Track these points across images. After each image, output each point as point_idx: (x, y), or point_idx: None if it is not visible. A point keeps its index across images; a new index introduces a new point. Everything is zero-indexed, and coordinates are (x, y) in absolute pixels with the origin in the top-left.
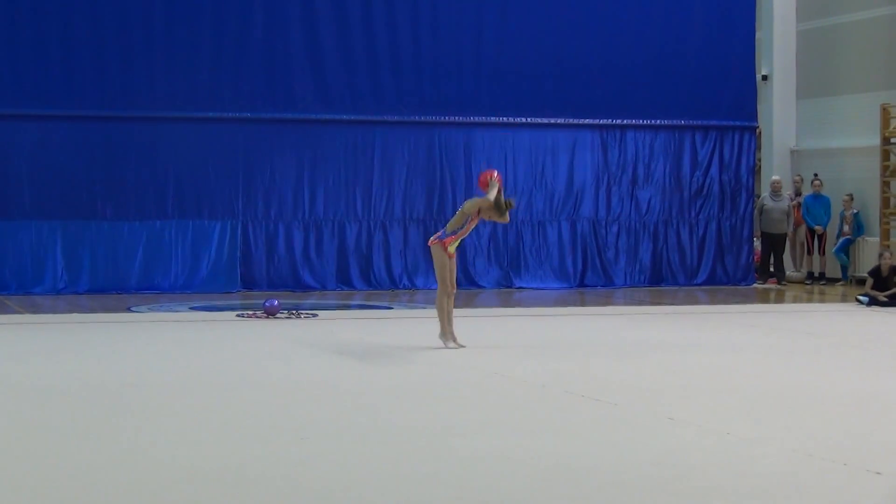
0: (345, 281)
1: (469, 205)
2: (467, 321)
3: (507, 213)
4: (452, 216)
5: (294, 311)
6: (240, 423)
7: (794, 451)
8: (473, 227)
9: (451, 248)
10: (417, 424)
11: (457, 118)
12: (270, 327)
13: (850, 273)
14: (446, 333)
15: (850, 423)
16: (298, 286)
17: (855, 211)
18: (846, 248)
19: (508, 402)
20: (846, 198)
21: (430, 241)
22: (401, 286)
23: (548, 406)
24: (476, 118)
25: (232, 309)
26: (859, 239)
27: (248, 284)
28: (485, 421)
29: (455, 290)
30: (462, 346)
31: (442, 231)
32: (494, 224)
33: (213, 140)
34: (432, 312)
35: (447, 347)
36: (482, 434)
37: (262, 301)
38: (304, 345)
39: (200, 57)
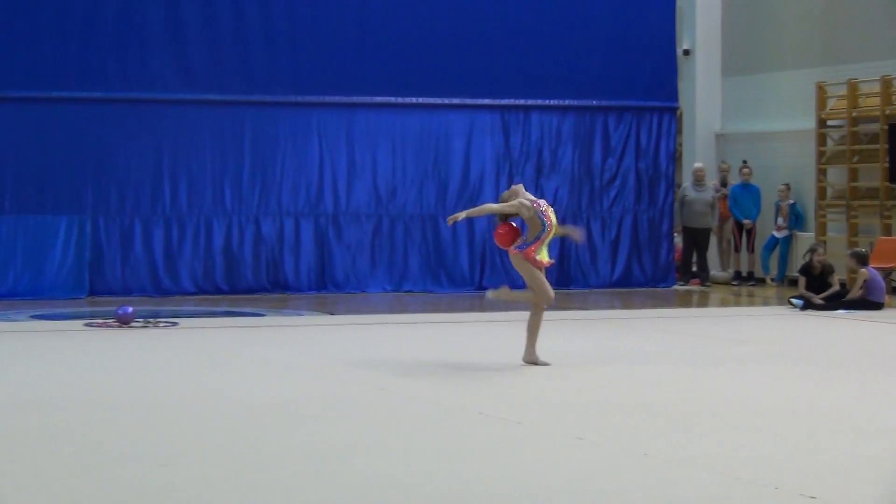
0: (210, 284)
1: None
2: (349, 329)
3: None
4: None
5: (151, 320)
6: (87, 447)
7: (720, 474)
8: (552, 218)
9: (541, 258)
10: (294, 446)
11: (337, 98)
12: (124, 338)
13: (784, 272)
14: (533, 352)
15: (783, 441)
16: (157, 291)
17: (791, 202)
18: (774, 247)
19: (399, 420)
20: (782, 187)
21: (510, 252)
22: (274, 290)
23: (443, 425)
24: (359, 98)
25: (80, 317)
26: (793, 234)
27: (99, 289)
28: (373, 442)
29: (545, 305)
30: (548, 364)
31: (522, 239)
32: (379, 219)
33: (58, 123)
34: (308, 319)
35: (538, 364)
36: (369, 457)
37: (115, 308)
38: (162, 357)
39: (42, 28)
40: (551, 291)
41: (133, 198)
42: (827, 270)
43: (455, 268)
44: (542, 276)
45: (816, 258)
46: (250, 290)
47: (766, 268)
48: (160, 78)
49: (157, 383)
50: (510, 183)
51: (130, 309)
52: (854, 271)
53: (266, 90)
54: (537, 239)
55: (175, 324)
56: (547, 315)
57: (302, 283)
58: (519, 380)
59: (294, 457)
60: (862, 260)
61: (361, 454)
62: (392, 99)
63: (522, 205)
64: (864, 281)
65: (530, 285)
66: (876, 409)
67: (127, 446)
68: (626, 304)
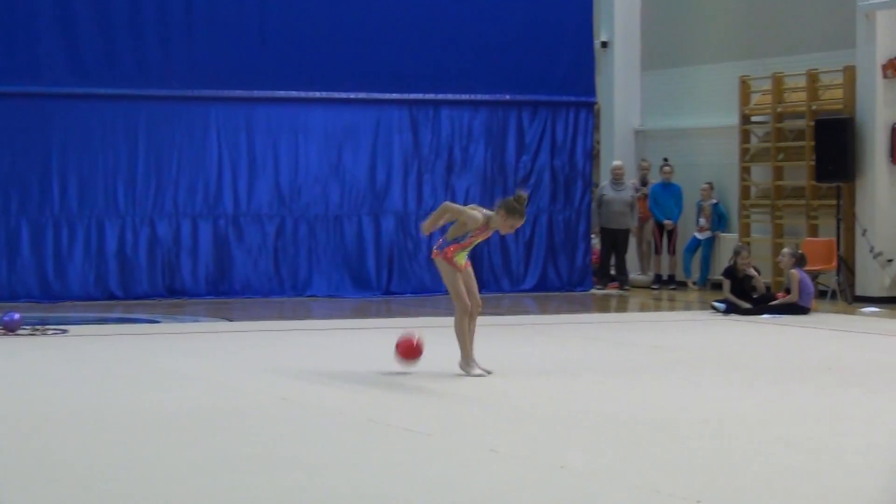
0: (103, 289)
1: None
2: (249, 336)
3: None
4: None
5: (39, 327)
6: None
7: (637, 487)
8: (477, 240)
9: (459, 259)
10: (190, 461)
11: (236, 93)
12: (10, 346)
13: (706, 276)
14: (468, 359)
15: (704, 452)
16: (46, 296)
17: (714, 202)
18: (697, 249)
19: (302, 433)
20: (705, 186)
21: (433, 254)
22: (171, 295)
23: (349, 437)
24: (259, 93)
25: None
26: (717, 234)
27: None
28: (274, 456)
29: (479, 308)
30: (488, 373)
31: (442, 239)
32: (282, 220)
33: None
34: (206, 326)
35: (470, 375)
36: (269, 472)
37: (1, 314)
38: (50, 367)
39: None
40: (467, 299)
41: (19, 197)
42: (752, 273)
43: (361, 271)
44: (460, 282)
45: (741, 260)
46: (145, 296)
47: (687, 271)
48: (48, 70)
49: (45, 395)
50: (419, 182)
51: (17, 315)
52: (781, 273)
53: (161, 84)
54: (456, 241)
55: (65, 331)
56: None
57: (200, 288)
58: (428, 389)
59: (191, 472)
60: (800, 262)
61: (261, 469)
62: (294, 93)
63: (484, 216)
64: (798, 281)
65: (450, 291)
66: (799, 420)
67: (10, 462)
68: (542, 310)
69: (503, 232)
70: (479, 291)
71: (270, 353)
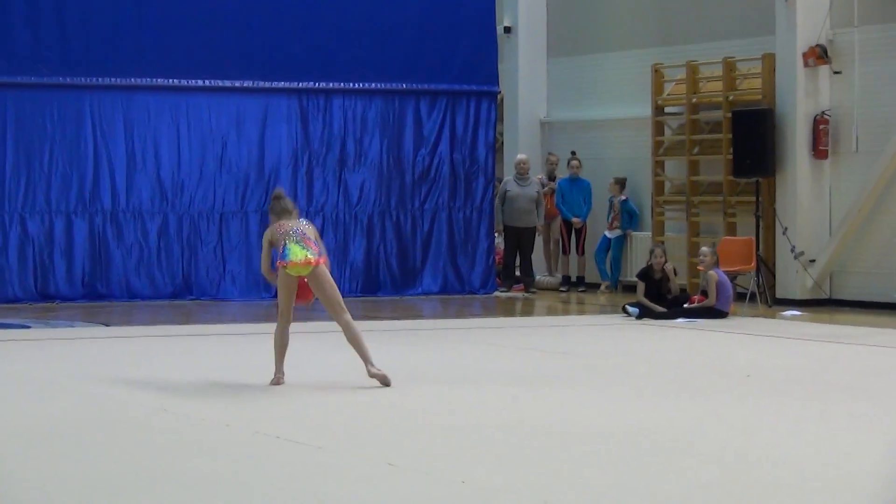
0: None
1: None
2: (126, 343)
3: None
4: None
5: None
6: None
7: (541, 502)
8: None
9: (290, 269)
10: (61, 478)
11: (113, 80)
12: None
13: (617, 277)
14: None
15: (614, 467)
16: None
17: (623, 198)
18: (608, 249)
19: (184, 446)
20: (613, 182)
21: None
22: (43, 299)
23: (235, 451)
24: (138, 80)
25: None
26: (628, 233)
27: None
28: (155, 472)
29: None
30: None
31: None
32: (165, 217)
33: None
34: (80, 331)
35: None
36: (150, 490)
37: None
38: None
39: None
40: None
41: None
42: (666, 275)
43: (249, 271)
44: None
45: (656, 261)
46: (15, 299)
47: (603, 272)
48: None
49: None
50: (309, 176)
51: None
52: (697, 274)
53: (30, 70)
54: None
55: None
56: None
57: (75, 291)
58: (320, 400)
59: (65, 491)
60: (716, 261)
61: (140, 487)
62: (175, 81)
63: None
64: (716, 283)
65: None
66: (715, 431)
67: None
68: (441, 314)
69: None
70: (375, 294)
71: (149, 360)
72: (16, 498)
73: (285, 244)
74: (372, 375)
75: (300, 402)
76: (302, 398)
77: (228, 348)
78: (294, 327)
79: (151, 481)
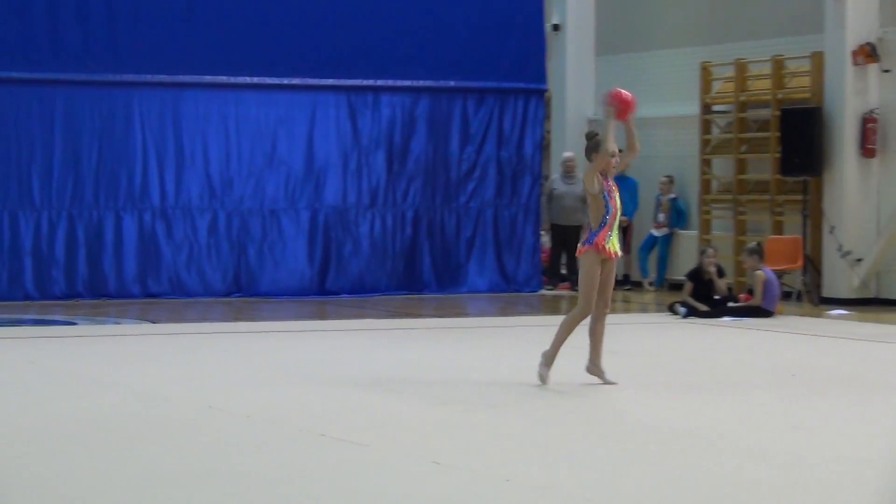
0: (18, 288)
1: (586, 177)
2: (174, 340)
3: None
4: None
5: None
6: None
7: (586, 500)
8: (616, 201)
9: (610, 246)
10: (115, 474)
11: (162, 77)
12: None
13: (663, 276)
14: (549, 362)
15: (656, 464)
16: None
17: (672, 196)
18: (653, 247)
19: (227, 443)
20: (663, 180)
21: (577, 252)
22: (91, 295)
23: (282, 448)
24: (186, 77)
25: None
26: (675, 232)
27: None
28: (205, 469)
29: (607, 309)
30: (613, 383)
31: (590, 232)
32: (214, 214)
33: None
34: (127, 328)
35: (543, 384)
36: (199, 485)
37: None
38: None
39: None
40: (592, 305)
41: None
42: (716, 274)
43: (295, 267)
44: (595, 284)
45: (707, 260)
46: (64, 296)
47: (644, 270)
48: None
49: None
50: (357, 172)
51: None
52: (744, 273)
53: (79, 67)
54: (603, 225)
55: None
56: (397, 324)
57: (124, 288)
58: (364, 398)
59: (119, 489)
60: (761, 257)
61: (186, 484)
62: (224, 79)
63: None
64: (763, 283)
65: (581, 289)
66: (762, 430)
67: None
68: (485, 311)
69: (610, 171)
70: (421, 292)
71: (197, 357)
72: (66, 495)
73: (611, 224)
74: (591, 372)
75: (345, 400)
76: (347, 396)
77: (276, 345)
78: (339, 324)
79: (197, 479)
